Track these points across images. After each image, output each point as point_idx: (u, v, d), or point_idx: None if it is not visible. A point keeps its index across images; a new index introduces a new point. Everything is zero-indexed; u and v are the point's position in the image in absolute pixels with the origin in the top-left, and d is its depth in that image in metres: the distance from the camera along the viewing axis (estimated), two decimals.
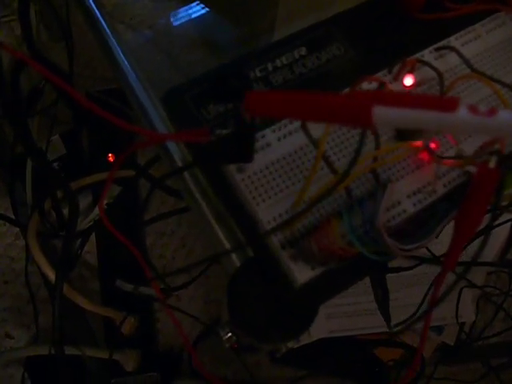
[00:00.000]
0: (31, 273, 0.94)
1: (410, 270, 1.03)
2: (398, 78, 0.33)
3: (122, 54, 0.41)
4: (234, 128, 0.27)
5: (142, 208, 0.50)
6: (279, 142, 0.31)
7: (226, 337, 0.40)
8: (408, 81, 0.33)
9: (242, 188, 0.30)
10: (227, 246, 0.32)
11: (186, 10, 0.54)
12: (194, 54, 0.52)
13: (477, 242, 0.61)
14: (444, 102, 0.21)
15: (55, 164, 0.90)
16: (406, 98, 0.22)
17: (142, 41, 0.54)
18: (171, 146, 0.34)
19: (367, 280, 0.41)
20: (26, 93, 0.81)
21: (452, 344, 1.00)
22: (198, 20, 0.53)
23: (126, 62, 0.40)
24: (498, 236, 0.77)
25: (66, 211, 0.85)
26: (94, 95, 0.97)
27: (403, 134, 0.31)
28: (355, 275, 0.30)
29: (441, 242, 0.99)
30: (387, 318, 0.63)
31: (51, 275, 0.77)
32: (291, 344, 0.32)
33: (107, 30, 0.42)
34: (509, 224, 0.49)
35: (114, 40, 0.42)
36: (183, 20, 0.54)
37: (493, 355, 1.07)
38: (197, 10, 0.54)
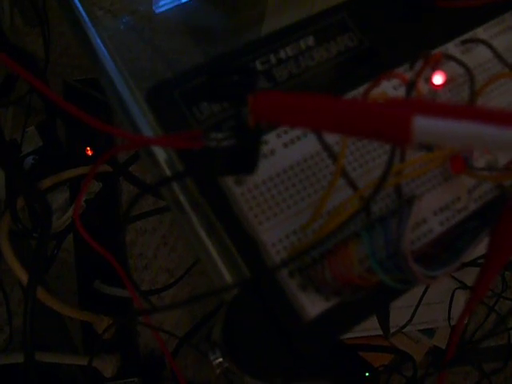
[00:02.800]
0: (5, 271, 0.90)
1: None
2: (422, 74, 0.29)
3: (100, 43, 0.36)
4: (234, 132, 0.22)
5: (125, 213, 0.45)
6: (286, 149, 0.26)
7: (216, 362, 0.36)
8: (438, 79, 0.28)
9: (241, 204, 0.25)
10: (220, 264, 0.27)
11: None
12: (178, 42, 0.48)
13: None
14: None
15: (31, 157, 0.86)
16: (462, 109, 0.17)
17: (123, 28, 0.50)
18: (156, 148, 0.29)
19: None
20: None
21: (444, 347, 0.98)
22: (182, 6, 0.50)
23: (105, 52, 0.35)
24: None
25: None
26: (72, 85, 0.92)
27: None
28: (373, 306, 0.26)
29: None
30: (386, 331, 0.59)
31: (24, 279, 0.72)
32: None
33: (83, 15, 0.37)
34: None
35: (91, 27, 0.37)
36: (167, 6, 0.50)
37: (485, 359, 1.06)
38: None
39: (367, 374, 0.99)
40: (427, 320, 0.96)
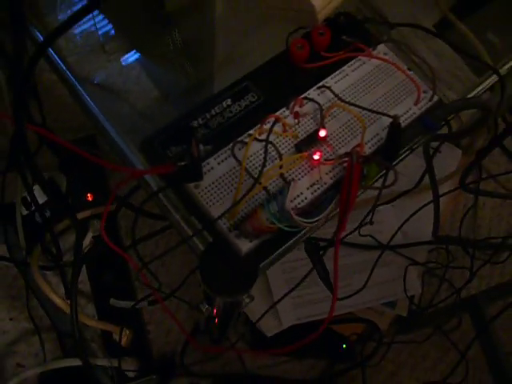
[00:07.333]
0: (31, 307, 1.07)
1: (361, 258, 1.20)
2: (292, 112, 0.50)
3: (99, 112, 0.55)
4: (188, 160, 0.44)
5: (132, 235, 0.61)
6: (219, 166, 0.47)
7: (205, 308, 0.56)
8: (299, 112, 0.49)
9: (199, 198, 0.46)
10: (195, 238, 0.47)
11: (132, 56, 0.63)
12: (146, 95, 0.62)
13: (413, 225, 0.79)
14: None
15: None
16: None
17: (100, 85, 0.61)
18: (148, 177, 0.50)
19: None
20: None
21: (405, 315, 1.15)
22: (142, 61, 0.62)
23: (102, 118, 0.54)
24: (431, 217, 0.80)
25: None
26: None
27: (300, 148, 0.48)
28: (280, 242, 0.46)
29: (381, 232, 1.19)
30: (330, 288, 0.77)
31: (59, 302, 0.91)
32: (247, 296, 0.48)
33: (87, 97, 0.57)
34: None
35: (94, 105, 0.56)
36: (131, 59, 0.63)
37: (442, 318, 1.22)
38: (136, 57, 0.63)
39: (344, 346, 1.14)
40: (388, 294, 1.12)
